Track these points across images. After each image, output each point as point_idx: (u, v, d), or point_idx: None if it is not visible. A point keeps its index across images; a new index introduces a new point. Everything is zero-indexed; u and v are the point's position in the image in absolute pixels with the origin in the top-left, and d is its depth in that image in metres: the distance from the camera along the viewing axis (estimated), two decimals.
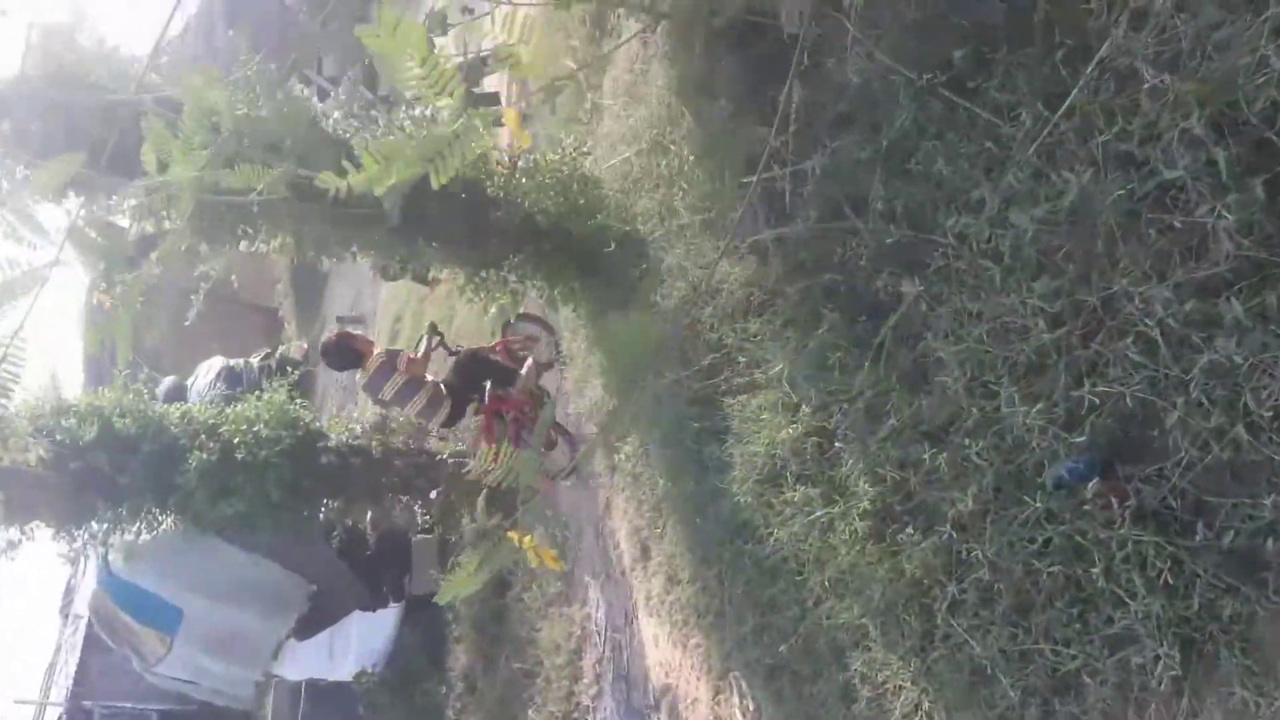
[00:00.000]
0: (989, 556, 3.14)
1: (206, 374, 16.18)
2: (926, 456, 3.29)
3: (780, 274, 4.26)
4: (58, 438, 6.67)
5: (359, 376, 6.59)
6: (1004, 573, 3.10)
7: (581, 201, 5.79)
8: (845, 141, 3.90)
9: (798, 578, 3.97)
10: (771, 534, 4.08)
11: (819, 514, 3.84)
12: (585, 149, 6.13)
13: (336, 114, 5.42)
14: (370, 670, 8.48)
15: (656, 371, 5.17)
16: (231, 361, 16.43)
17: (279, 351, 16.62)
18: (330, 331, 6.82)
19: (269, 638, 8.01)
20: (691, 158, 5.14)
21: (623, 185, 5.80)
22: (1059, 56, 3.06)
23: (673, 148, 5.38)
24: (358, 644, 8.36)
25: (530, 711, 6.47)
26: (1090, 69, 2.97)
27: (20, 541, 6.96)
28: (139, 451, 6.96)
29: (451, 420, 6.53)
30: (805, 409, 3.95)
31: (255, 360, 16.60)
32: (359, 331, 8.54)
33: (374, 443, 7.62)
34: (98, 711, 15.58)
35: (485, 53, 8.84)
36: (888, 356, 3.66)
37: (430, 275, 9.29)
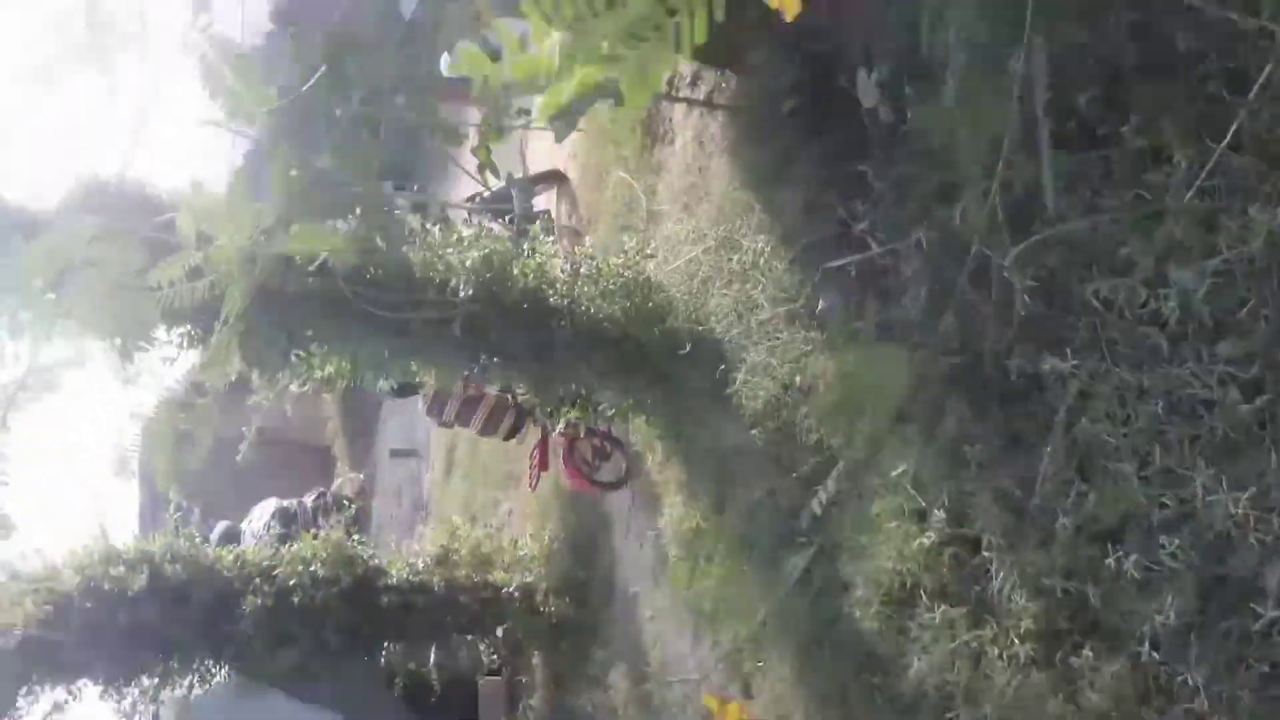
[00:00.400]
0: (1200, 682, 2.57)
1: (260, 516, 15.91)
2: (1111, 561, 2.75)
3: (885, 363, 3.81)
4: (106, 588, 6.29)
5: (421, 404, 6.81)
6: (1223, 703, 2.53)
7: (649, 305, 5.44)
8: (951, 212, 3.51)
9: (947, 716, 3.38)
10: (908, 665, 3.52)
11: (967, 638, 3.28)
12: (648, 251, 5.82)
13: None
14: None
15: (746, 483, 4.69)
16: (285, 502, 16.16)
17: (333, 488, 16.35)
18: None
19: None
20: (767, 249, 4.79)
21: (690, 286, 5.45)
22: (1210, 89, 2.67)
23: (744, 241, 5.04)
24: None
25: None
26: (1253, 95, 2.57)
27: (67, 703, 6.51)
28: (190, 599, 6.54)
29: (514, 431, 6.72)
30: (937, 514, 3.44)
31: (309, 500, 16.33)
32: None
33: (436, 578, 7.14)
34: None
35: (534, 175, 8.76)
36: (1031, 447, 3.17)
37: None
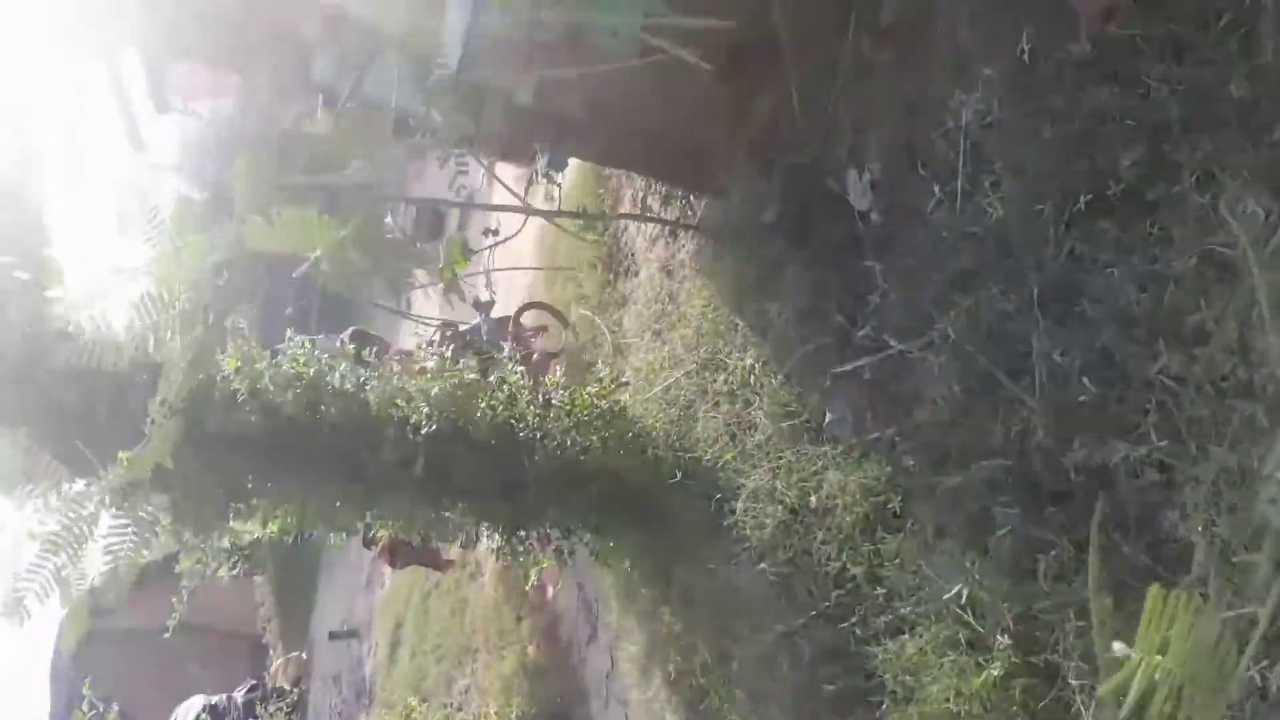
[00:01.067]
0: None
1: (185, 717, 14.49)
2: (1254, 674, 2.30)
3: (916, 473, 3.42)
4: None
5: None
6: None
7: (629, 435, 5.01)
8: (979, 298, 3.21)
9: None
10: None
11: None
12: (623, 379, 5.44)
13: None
14: None
15: (757, 627, 4.16)
16: (214, 699, 14.77)
17: (269, 674, 15.05)
18: None
19: None
20: (758, 364, 4.44)
21: (672, 414, 5.05)
22: (1275, 135, 2.45)
23: (730, 360, 4.69)
24: None
25: None
26: None
27: None
28: None
29: None
30: (1001, 640, 2.96)
31: (240, 694, 14.96)
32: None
33: None
34: None
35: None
36: (1109, 549, 2.75)
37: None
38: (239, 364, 4.27)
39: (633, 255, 6.61)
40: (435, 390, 4.45)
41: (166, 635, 4.67)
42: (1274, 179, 2.42)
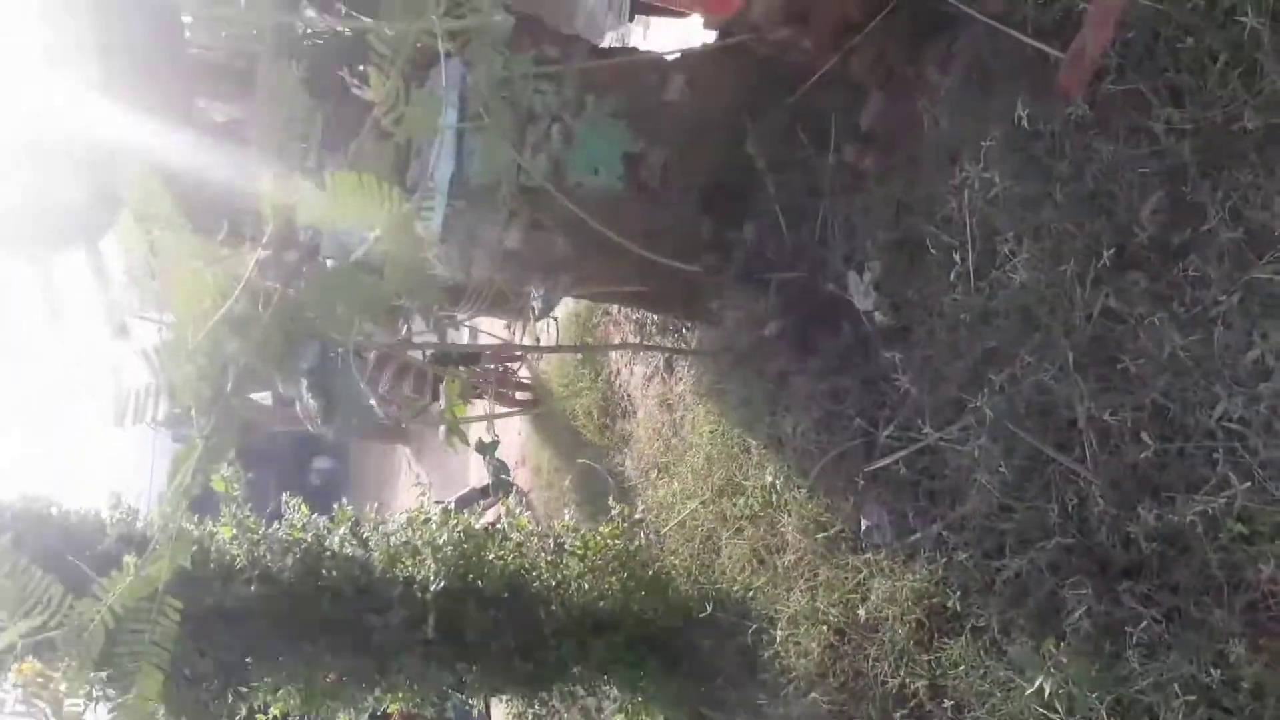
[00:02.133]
0: None
1: None
2: None
3: (971, 567, 3.19)
4: None
5: None
6: None
7: (649, 575, 4.74)
8: (1012, 372, 3.08)
9: None
10: None
11: None
12: (636, 516, 5.20)
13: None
14: None
15: None
16: None
17: None
18: None
19: None
20: (778, 481, 4.25)
21: (692, 548, 4.81)
22: None
23: (748, 483, 4.50)
24: None
25: None
26: None
27: None
28: None
29: None
30: None
31: None
32: None
33: None
34: None
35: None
36: (1199, 623, 2.52)
37: None
38: (234, 532, 4.03)
39: (629, 397, 6.51)
40: (443, 539, 4.21)
41: None
42: None
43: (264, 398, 13.19)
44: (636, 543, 4.92)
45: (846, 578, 3.70)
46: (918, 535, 3.43)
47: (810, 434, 4.07)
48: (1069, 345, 2.90)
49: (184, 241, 1.74)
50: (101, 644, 1.81)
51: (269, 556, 4.05)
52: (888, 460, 3.54)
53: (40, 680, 1.95)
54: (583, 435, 6.89)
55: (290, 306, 1.85)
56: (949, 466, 3.35)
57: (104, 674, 2.43)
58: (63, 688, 1.93)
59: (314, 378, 3.24)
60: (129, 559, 1.86)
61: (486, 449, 4.28)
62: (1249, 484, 2.41)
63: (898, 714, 3.40)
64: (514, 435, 8.24)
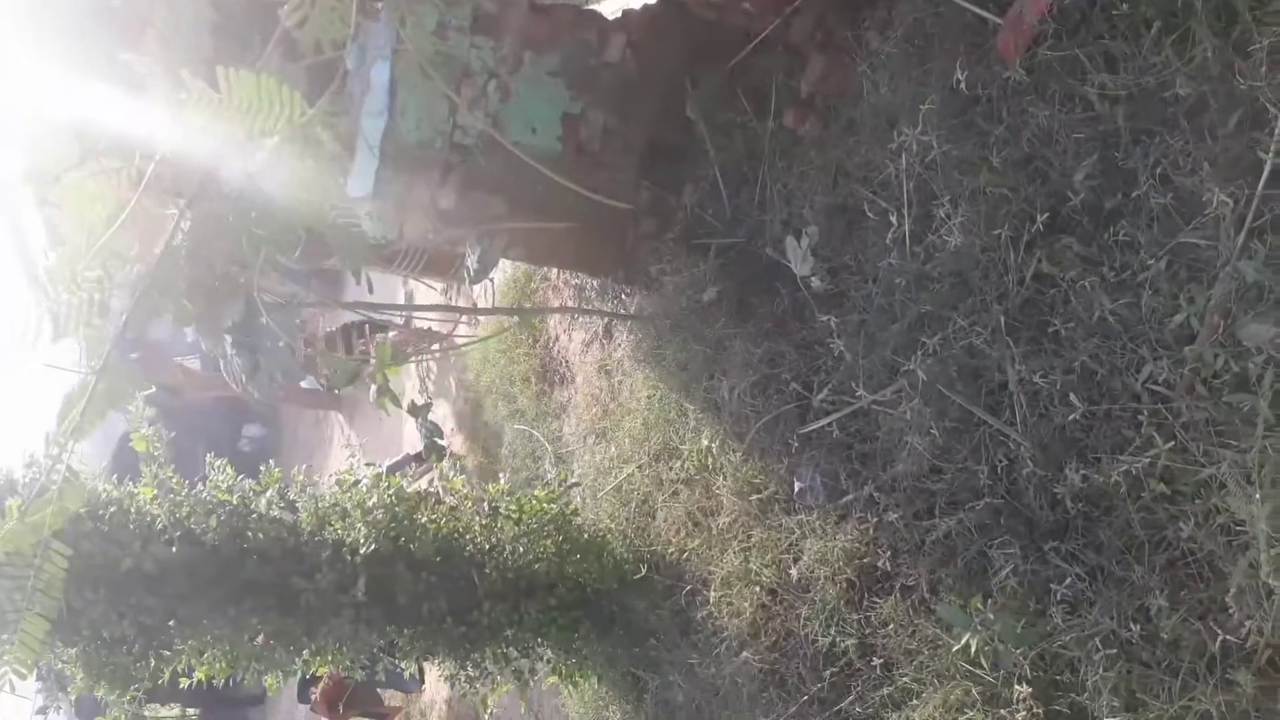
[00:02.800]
0: None
1: None
2: None
3: (902, 527, 3.23)
4: None
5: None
6: None
7: (584, 538, 4.72)
8: (945, 336, 3.11)
9: None
10: None
11: None
12: (573, 479, 5.17)
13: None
14: None
15: None
16: None
17: None
18: None
19: None
20: (714, 444, 4.25)
21: (628, 512, 4.79)
22: (1234, 122, 2.45)
23: (684, 446, 4.50)
24: None
25: None
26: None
27: None
28: None
29: None
30: (1021, 691, 2.73)
31: None
32: None
33: None
34: None
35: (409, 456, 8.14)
36: (1120, 580, 2.59)
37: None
38: (154, 492, 3.91)
39: (567, 363, 6.45)
40: (373, 501, 4.13)
41: None
42: (1231, 170, 2.41)
43: (192, 360, 12.86)
44: (571, 507, 4.90)
45: (779, 539, 3.72)
46: (850, 497, 3.47)
47: (746, 398, 4.08)
48: (1001, 309, 2.93)
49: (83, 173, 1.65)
50: None
51: (192, 518, 3.93)
52: (821, 423, 3.57)
53: None
54: (519, 402, 6.82)
55: (191, 240, 1.76)
56: (881, 429, 3.38)
57: None
58: None
59: (239, 334, 3.14)
60: (12, 502, 1.77)
61: (419, 411, 4.20)
62: (1172, 444, 2.46)
63: (827, 672, 3.45)
64: (448, 403, 8.15)
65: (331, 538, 4.20)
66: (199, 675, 4.16)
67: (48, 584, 1.72)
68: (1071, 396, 2.72)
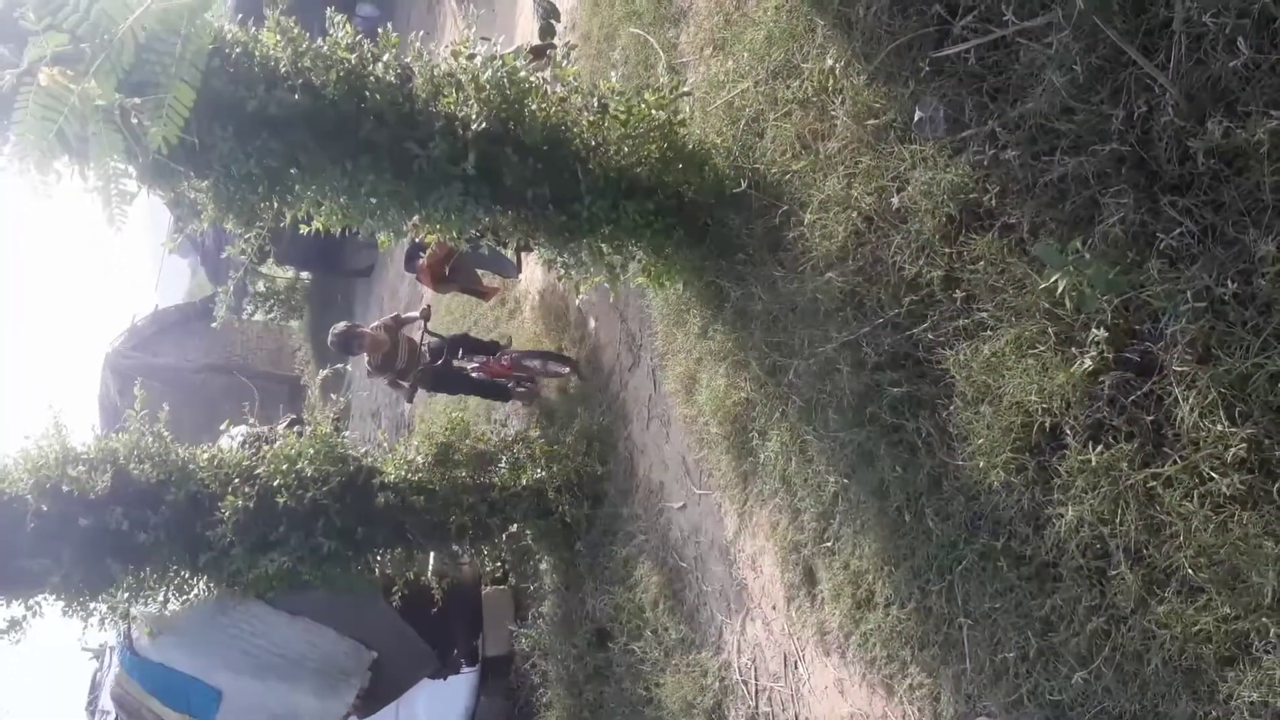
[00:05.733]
0: None
1: (230, 443, 15.11)
2: None
3: (1017, 166, 3.15)
4: (65, 489, 5.55)
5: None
6: None
7: (688, 149, 4.72)
8: None
9: (1103, 576, 2.80)
10: (1048, 521, 2.93)
11: (1137, 478, 2.68)
12: (684, 89, 5.07)
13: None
14: None
15: (816, 339, 4.04)
16: (259, 429, 15.35)
17: (304, 419, 15.54)
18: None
19: (326, 718, 6.76)
20: (838, 65, 4.08)
21: (736, 129, 4.73)
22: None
23: (806, 65, 4.32)
24: (427, 718, 7.10)
25: None
26: None
27: (25, 619, 5.81)
28: (162, 502, 5.83)
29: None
30: (1096, 333, 2.81)
31: (280, 427, 15.53)
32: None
33: (436, 477, 6.46)
34: None
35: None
36: (1233, 242, 2.53)
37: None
38: (277, 38, 3.96)
39: None
40: (486, 76, 4.14)
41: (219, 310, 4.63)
42: None
43: None
44: (680, 117, 4.84)
45: (887, 166, 3.68)
46: (970, 131, 3.35)
47: (884, 16, 3.84)
48: None
49: None
50: (132, 54, 1.83)
51: (313, 70, 4.01)
52: (959, 49, 3.36)
53: (63, 83, 1.97)
54: (637, 3, 6.52)
55: None
56: (1019, 62, 3.18)
57: (135, 100, 2.44)
58: (91, 84, 1.96)
59: None
60: None
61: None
62: None
63: (907, 299, 3.56)
64: (564, 1, 7.81)
65: (445, 109, 4.27)
66: (318, 223, 4.47)
67: (194, 54, 1.81)
68: (1239, 42, 2.49)
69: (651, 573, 5.70)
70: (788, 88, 4.40)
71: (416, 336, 7.27)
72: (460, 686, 7.21)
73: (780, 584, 4.56)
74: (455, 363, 7.38)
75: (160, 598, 6.21)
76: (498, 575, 7.55)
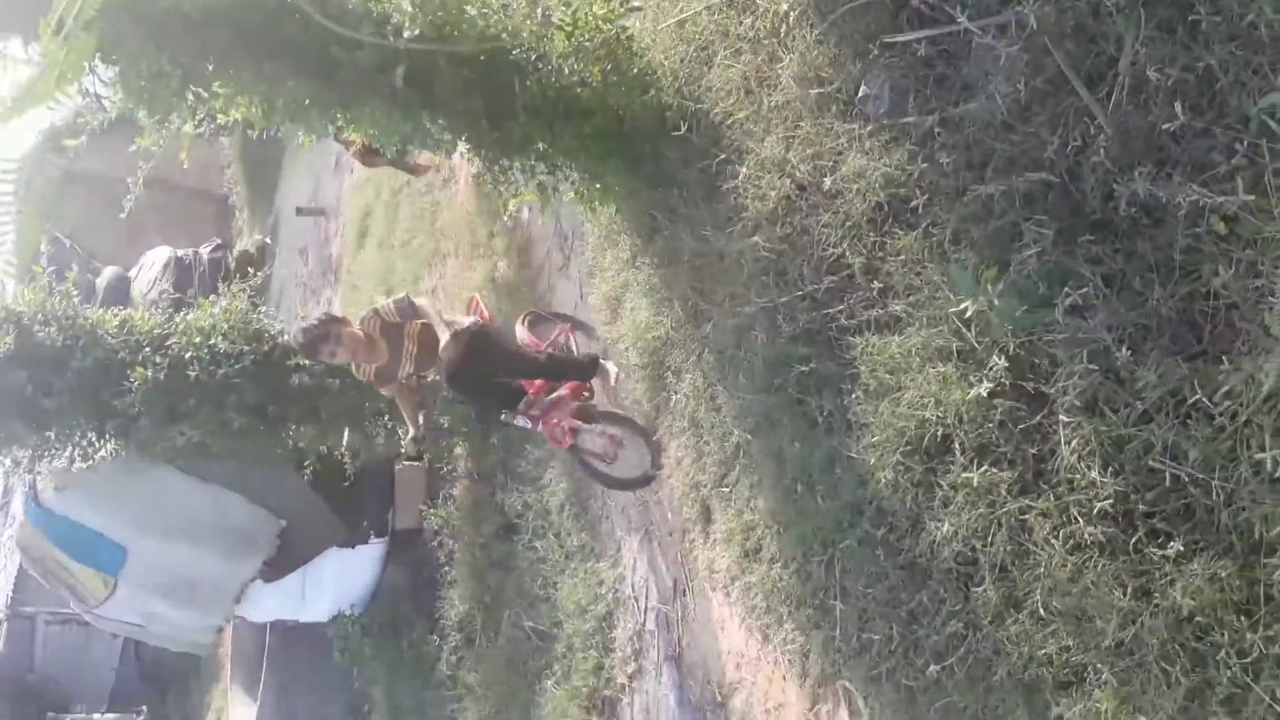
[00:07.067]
0: None
1: (151, 267, 14.66)
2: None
3: (949, 171, 3.12)
4: None
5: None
6: None
7: (633, 71, 4.54)
8: None
9: (968, 584, 2.97)
10: (926, 526, 3.07)
11: (1012, 507, 2.81)
12: (634, 3, 4.83)
13: None
14: (349, 613, 7.48)
15: (737, 297, 4.05)
16: (180, 252, 14.88)
17: (237, 249, 15.08)
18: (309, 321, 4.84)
19: (231, 581, 6.92)
20: (793, 13, 3.90)
21: (685, 52, 4.54)
22: None
23: (761, 2, 4.13)
24: (334, 585, 7.33)
25: (549, 682, 5.52)
26: None
27: None
28: (67, 368, 5.73)
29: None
30: (997, 362, 2.87)
31: (205, 251, 15.09)
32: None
33: None
34: (41, 618, 14.53)
35: None
36: (1138, 297, 2.58)
37: (413, 157, 7.99)
38: None
39: None
40: None
41: (124, 214, 4.46)
42: None
43: None
44: (628, 33, 4.63)
45: (825, 141, 3.60)
46: (910, 120, 3.28)
47: None
48: None
49: None
50: None
51: None
52: (912, 36, 3.25)
53: None
54: None
55: None
56: (969, 62, 3.10)
57: None
58: None
59: None
60: None
61: None
62: (1254, 194, 2.30)
63: (828, 278, 3.57)
64: None
65: (376, 9, 4.02)
66: (236, 114, 4.23)
67: None
68: (1179, 101, 2.46)
69: (560, 478, 5.84)
70: (741, 23, 4.21)
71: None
72: (368, 556, 7.42)
73: (679, 515, 4.73)
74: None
75: (66, 456, 6.18)
76: (413, 453, 7.65)
